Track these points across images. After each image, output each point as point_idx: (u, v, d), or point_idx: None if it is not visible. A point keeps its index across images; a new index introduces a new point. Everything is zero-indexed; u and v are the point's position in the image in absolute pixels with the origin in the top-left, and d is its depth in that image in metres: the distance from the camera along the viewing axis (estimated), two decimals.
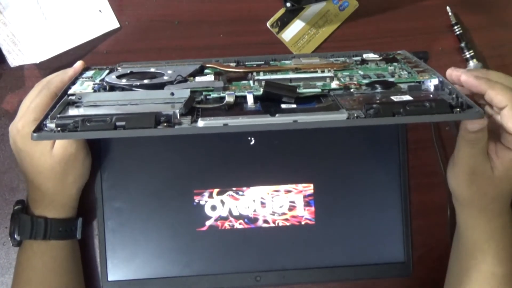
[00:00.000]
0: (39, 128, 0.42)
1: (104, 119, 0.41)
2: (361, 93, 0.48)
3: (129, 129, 0.41)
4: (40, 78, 0.59)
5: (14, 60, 0.58)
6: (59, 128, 0.41)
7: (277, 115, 0.42)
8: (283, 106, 0.46)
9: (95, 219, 0.58)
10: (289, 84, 0.49)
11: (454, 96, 0.45)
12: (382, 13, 0.61)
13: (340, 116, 0.42)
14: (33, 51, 0.58)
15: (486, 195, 0.51)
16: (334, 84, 0.49)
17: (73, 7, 0.59)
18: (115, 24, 0.59)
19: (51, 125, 0.42)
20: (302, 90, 0.48)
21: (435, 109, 0.42)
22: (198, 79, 0.50)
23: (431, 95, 0.48)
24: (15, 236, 0.53)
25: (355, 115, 0.42)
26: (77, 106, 0.47)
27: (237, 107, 0.46)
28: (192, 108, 0.45)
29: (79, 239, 0.56)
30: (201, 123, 0.41)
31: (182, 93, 0.46)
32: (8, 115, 0.59)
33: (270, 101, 0.46)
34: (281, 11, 0.61)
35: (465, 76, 0.48)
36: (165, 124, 0.41)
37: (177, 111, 0.43)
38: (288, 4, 0.59)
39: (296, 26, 0.60)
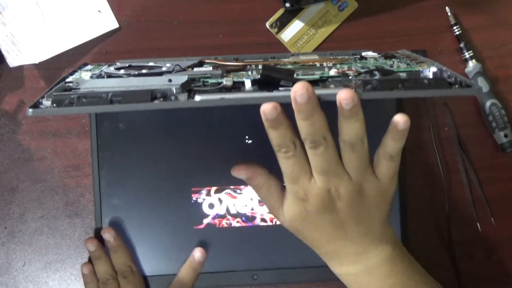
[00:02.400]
0: (35, 105, 0.41)
1: (100, 95, 0.41)
2: (360, 79, 0.47)
3: (125, 103, 0.40)
4: (39, 79, 0.59)
5: (13, 60, 0.58)
6: (54, 104, 0.41)
7: (274, 91, 0.41)
8: (281, 89, 0.45)
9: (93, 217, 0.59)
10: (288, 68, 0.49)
11: (453, 78, 0.45)
12: (381, 13, 0.61)
13: (338, 91, 0.42)
14: (32, 51, 0.58)
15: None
16: (333, 72, 0.49)
17: (72, 7, 0.59)
18: (114, 25, 0.59)
19: (47, 102, 0.42)
20: (300, 76, 0.48)
21: (434, 85, 0.42)
22: (196, 69, 0.50)
23: None
24: None
25: (353, 90, 0.42)
26: (74, 92, 0.45)
27: (235, 90, 0.46)
28: (189, 90, 0.45)
29: None
30: (198, 97, 0.41)
31: (180, 79, 0.45)
32: (8, 115, 0.59)
33: (267, 85, 0.46)
34: (280, 11, 0.61)
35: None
36: (161, 99, 0.41)
37: (173, 88, 0.42)
38: (288, 5, 0.59)
39: (295, 26, 0.60)
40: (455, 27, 0.61)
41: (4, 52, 0.58)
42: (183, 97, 0.42)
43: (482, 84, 0.60)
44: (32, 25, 0.58)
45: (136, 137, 0.57)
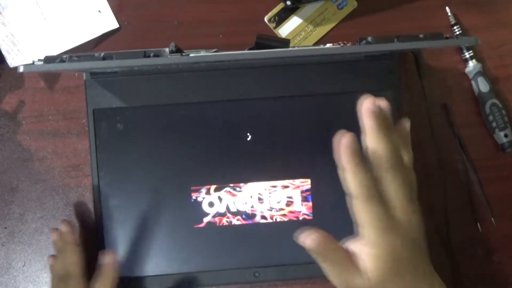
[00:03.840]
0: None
1: (92, 55, 0.41)
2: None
3: (118, 59, 0.40)
4: (39, 79, 0.59)
5: (13, 60, 0.58)
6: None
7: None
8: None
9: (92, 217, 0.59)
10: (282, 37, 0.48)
11: (449, 34, 0.44)
12: (381, 13, 0.61)
13: (334, 47, 0.41)
14: (32, 51, 0.58)
15: None
16: (328, 45, 0.48)
17: (72, 7, 0.59)
18: (114, 25, 0.60)
19: (39, 63, 0.42)
20: (296, 48, 0.47)
21: (430, 37, 0.42)
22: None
23: None
24: None
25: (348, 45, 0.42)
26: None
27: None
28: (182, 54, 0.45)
29: None
30: (191, 55, 0.41)
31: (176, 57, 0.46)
32: (8, 115, 0.59)
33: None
34: (280, 6, 0.60)
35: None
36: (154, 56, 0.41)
37: (167, 49, 0.42)
38: (289, 3, 0.59)
39: (294, 22, 0.60)
40: (455, 27, 0.61)
41: (4, 52, 0.58)
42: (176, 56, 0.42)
43: (482, 84, 0.60)
44: (32, 25, 0.58)
45: (135, 137, 0.57)
